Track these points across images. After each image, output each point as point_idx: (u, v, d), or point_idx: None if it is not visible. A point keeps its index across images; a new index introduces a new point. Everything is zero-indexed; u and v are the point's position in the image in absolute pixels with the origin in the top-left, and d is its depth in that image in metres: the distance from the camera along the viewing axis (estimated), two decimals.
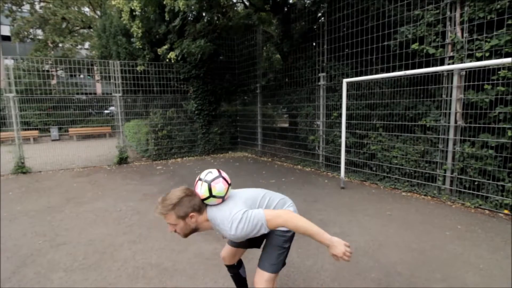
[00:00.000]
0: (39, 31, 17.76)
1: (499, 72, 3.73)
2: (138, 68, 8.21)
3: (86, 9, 18.64)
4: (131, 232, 3.42)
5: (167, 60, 7.60)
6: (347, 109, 5.27)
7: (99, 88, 23.66)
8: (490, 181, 3.91)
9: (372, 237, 3.18)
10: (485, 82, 3.87)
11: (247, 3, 9.46)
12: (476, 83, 3.97)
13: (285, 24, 7.85)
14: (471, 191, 4.11)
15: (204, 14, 7.84)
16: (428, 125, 4.56)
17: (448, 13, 4.25)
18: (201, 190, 1.52)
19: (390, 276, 2.44)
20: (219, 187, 1.51)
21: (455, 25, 4.20)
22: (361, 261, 2.69)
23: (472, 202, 4.03)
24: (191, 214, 1.49)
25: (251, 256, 2.51)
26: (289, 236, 1.65)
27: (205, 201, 1.53)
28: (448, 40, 4.26)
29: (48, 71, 13.10)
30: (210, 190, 1.50)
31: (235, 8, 10.09)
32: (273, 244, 1.63)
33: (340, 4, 5.80)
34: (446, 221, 3.58)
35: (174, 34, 7.80)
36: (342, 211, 3.96)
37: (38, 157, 7.45)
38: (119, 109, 7.54)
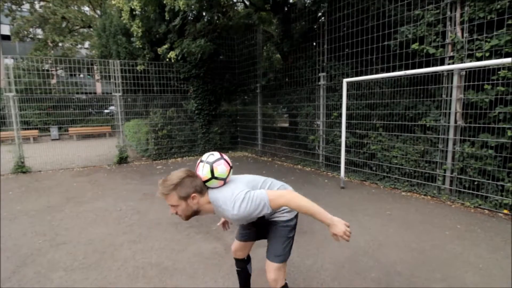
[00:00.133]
0: (39, 31, 17.76)
1: (499, 72, 3.73)
2: (138, 68, 8.21)
3: (86, 9, 18.64)
4: (131, 231, 3.42)
5: (167, 59, 7.60)
6: (347, 109, 5.27)
7: (99, 88, 23.64)
8: (490, 181, 3.91)
9: (372, 236, 3.18)
10: (485, 82, 3.88)
11: (247, 3, 9.45)
12: (476, 83, 3.97)
13: (285, 24, 7.85)
14: (470, 191, 4.11)
15: (204, 14, 7.83)
16: (428, 125, 4.57)
17: (448, 13, 4.25)
18: (203, 171, 1.50)
19: (390, 276, 2.44)
20: (221, 168, 1.50)
21: (455, 25, 4.20)
22: (361, 260, 2.69)
23: (472, 202, 4.04)
24: (193, 195, 1.47)
25: (252, 256, 2.51)
26: (292, 225, 1.67)
27: (207, 183, 1.52)
28: (448, 40, 4.26)
29: (48, 70, 13.13)
30: (212, 171, 1.48)
31: (235, 8, 10.09)
32: (278, 235, 1.65)
33: (340, 4, 5.80)
34: (446, 220, 3.58)
35: (174, 34, 7.80)
36: (342, 211, 3.96)
37: (38, 157, 7.44)
38: (119, 109, 7.53)
